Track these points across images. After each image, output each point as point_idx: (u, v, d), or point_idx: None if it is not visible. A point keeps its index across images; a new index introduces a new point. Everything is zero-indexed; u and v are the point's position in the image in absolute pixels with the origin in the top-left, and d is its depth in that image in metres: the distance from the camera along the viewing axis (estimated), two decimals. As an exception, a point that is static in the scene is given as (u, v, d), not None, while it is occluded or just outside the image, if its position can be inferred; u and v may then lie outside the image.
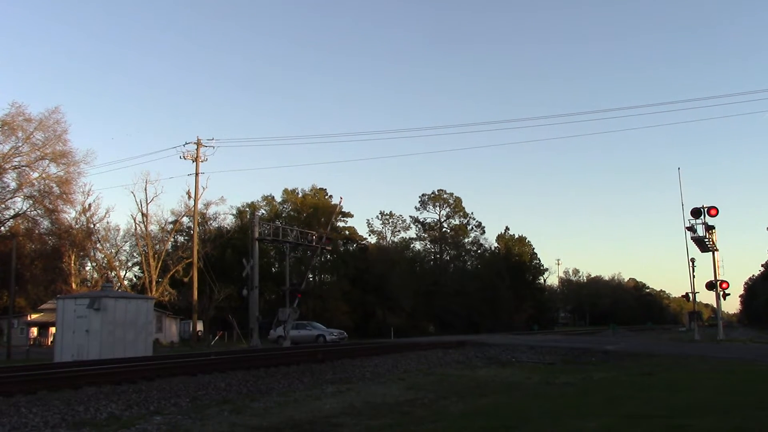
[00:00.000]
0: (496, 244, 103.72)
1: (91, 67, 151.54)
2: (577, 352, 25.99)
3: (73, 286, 51.94)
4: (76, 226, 53.22)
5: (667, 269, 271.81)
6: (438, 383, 15.29)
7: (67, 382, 13.23)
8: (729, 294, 45.29)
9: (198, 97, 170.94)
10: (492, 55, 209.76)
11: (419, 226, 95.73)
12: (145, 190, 55.81)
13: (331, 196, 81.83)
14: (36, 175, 47.76)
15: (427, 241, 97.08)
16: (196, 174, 44.73)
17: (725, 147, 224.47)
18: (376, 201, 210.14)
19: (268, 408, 11.19)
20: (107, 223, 64.90)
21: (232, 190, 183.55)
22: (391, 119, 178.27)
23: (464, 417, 10.08)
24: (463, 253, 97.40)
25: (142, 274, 59.69)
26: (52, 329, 42.30)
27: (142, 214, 56.12)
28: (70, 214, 52.07)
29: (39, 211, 49.04)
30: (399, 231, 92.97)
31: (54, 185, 48.04)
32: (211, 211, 64.74)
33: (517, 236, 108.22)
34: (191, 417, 10.19)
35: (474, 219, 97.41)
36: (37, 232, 50.24)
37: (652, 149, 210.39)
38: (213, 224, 66.58)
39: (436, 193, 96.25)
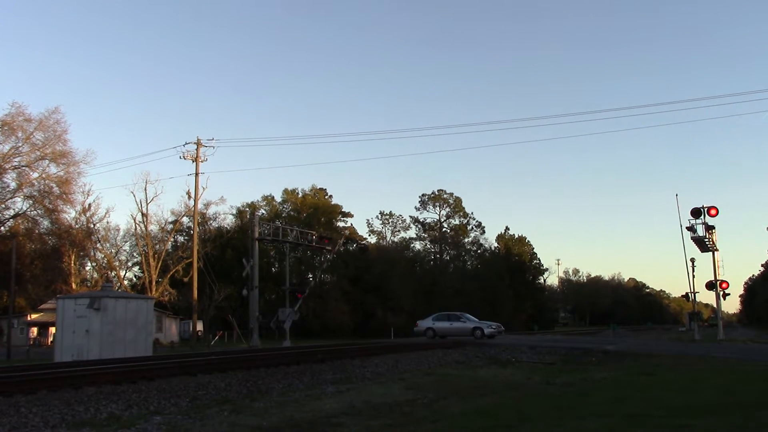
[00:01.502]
0: (496, 244, 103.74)
1: (91, 67, 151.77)
2: (577, 352, 25.99)
3: (73, 286, 51.93)
4: (76, 226, 53.22)
5: (667, 269, 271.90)
6: (438, 383, 15.29)
7: (67, 382, 13.22)
8: (729, 294, 45.31)
9: (198, 97, 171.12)
10: (492, 55, 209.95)
11: (419, 226, 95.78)
12: (145, 190, 55.87)
13: (331, 196, 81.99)
14: (36, 175, 47.75)
15: (427, 241, 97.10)
16: (196, 174, 44.70)
17: (725, 147, 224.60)
18: (376, 201, 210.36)
19: (268, 408, 11.19)
20: (107, 223, 64.96)
21: (232, 190, 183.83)
22: (391, 119, 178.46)
23: (464, 417, 10.08)
24: (463, 253, 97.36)
25: (142, 274, 59.71)
26: (52, 329, 42.32)
27: (142, 214, 56.17)
28: (70, 214, 52.10)
29: (39, 211, 49.01)
30: (399, 231, 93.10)
31: (54, 185, 48.02)
32: (211, 211, 64.83)
33: (517, 236, 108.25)
34: (191, 417, 10.19)
35: (474, 219, 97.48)
36: (37, 232, 50.20)
37: (652, 149, 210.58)
38: (213, 224, 66.67)
39: (436, 193, 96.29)
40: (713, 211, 37.36)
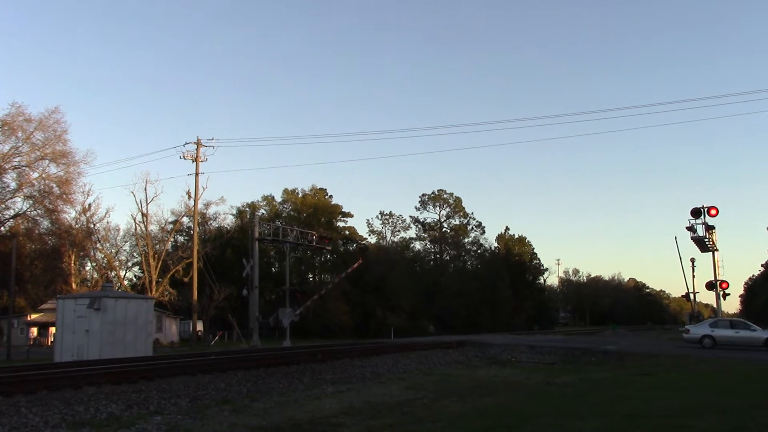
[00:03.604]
0: (496, 244, 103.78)
1: (91, 67, 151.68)
2: (577, 352, 26.01)
3: (73, 286, 51.93)
4: (76, 226, 53.22)
5: (667, 269, 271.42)
6: (438, 383, 15.29)
7: (67, 382, 13.24)
8: (729, 294, 45.30)
9: (198, 97, 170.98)
10: (492, 55, 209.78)
11: (419, 226, 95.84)
12: (145, 190, 55.86)
13: (331, 196, 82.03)
14: (36, 175, 47.76)
15: (427, 241, 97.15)
16: (196, 174, 44.71)
17: (725, 147, 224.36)
18: (376, 201, 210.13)
19: (268, 408, 11.19)
20: (107, 223, 65.01)
21: (232, 190, 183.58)
22: (391, 119, 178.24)
23: (464, 417, 10.09)
24: (463, 253, 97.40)
25: (142, 274, 59.69)
26: (52, 329, 42.32)
27: (142, 214, 56.16)
28: (70, 214, 52.11)
29: (39, 211, 49.03)
30: (399, 231, 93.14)
31: (54, 185, 48.03)
32: (211, 211, 64.82)
33: (517, 236, 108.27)
34: (191, 417, 10.20)
35: (474, 219, 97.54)
36: (37, 232, 50.22)
37: (652, 149, 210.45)
38: (213, 224, 66.64)
39: (436, 193, 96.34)
40: (713, 211, 37.33)
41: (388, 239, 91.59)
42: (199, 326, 50.80)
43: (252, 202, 76.79)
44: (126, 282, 61.85)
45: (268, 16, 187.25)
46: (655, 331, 79.64)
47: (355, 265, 48.71)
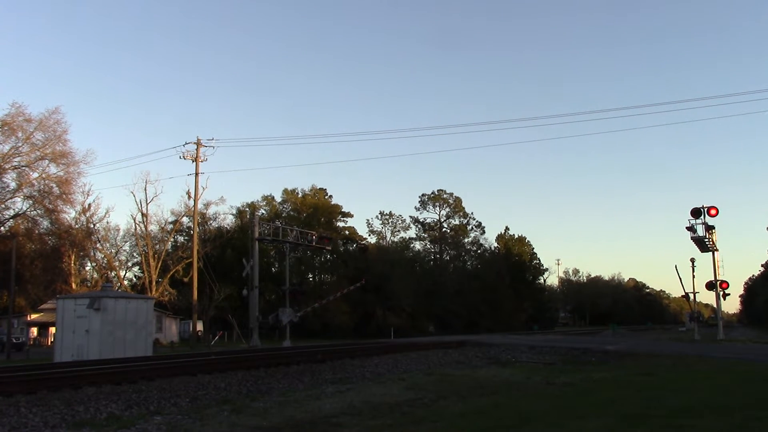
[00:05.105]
0: (496, 244, 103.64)
1: (91, 67, 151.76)
2: (577, 352, 26.00)
3: (73, 286, 51.91)
4: (76, 226, 53.21)
5: (667, 269, 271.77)
6: (438, 383, 15.29)
7: (67, 382, 13.24)
8: (729, 294, 45.32)
9: (198, 97, 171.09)
10: (492, 55, 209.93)
11: (419, 226, 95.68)
12: (145, 190, 55.86)
13: (331, 196, 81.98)
14: (36, 175, 47.75)
15: (427, 241, 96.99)
16: (196, 174, 44.70)
17: (725, 147, 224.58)
18: (376, 201, 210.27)
19: (268, 408, 11.19)
20: (107, 223, 64.95)
21: (232, 190, 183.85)
22: (391, 119, 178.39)
23: (464, 417, 10.08)
24: (463, 253, 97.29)
25: (142, 274, 59.68)
26: (52, 329, 42.31)
27: (142, 214, 56.15)
28: (70, 214, 52.10)
29: (39, 211, 49.01)
30: (399, 231, 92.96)
31: (54, 185, 48.02)
32: (211, 211, 64.79)
33: (517, 236, 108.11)
34: (191, 417, 10.19)
35: (474, 219, 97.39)
36: (37, 232, 50.19)
37: (652, 149, 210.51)
38: (213, 224, 66.62)
39: (436, 193, 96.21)
40: (713, 211, 37.38)
41: (388, 239, 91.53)
42: (199, 326, 50.77)
43: (252, 202, 76.82)
44: (126, 282, 61.84)
45: (268, 17, 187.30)
46: (655, 331, 79.63)
47: (358, 284, 48.76)
